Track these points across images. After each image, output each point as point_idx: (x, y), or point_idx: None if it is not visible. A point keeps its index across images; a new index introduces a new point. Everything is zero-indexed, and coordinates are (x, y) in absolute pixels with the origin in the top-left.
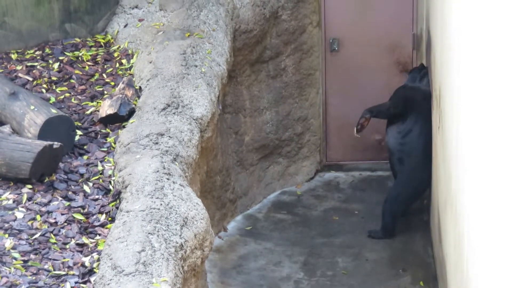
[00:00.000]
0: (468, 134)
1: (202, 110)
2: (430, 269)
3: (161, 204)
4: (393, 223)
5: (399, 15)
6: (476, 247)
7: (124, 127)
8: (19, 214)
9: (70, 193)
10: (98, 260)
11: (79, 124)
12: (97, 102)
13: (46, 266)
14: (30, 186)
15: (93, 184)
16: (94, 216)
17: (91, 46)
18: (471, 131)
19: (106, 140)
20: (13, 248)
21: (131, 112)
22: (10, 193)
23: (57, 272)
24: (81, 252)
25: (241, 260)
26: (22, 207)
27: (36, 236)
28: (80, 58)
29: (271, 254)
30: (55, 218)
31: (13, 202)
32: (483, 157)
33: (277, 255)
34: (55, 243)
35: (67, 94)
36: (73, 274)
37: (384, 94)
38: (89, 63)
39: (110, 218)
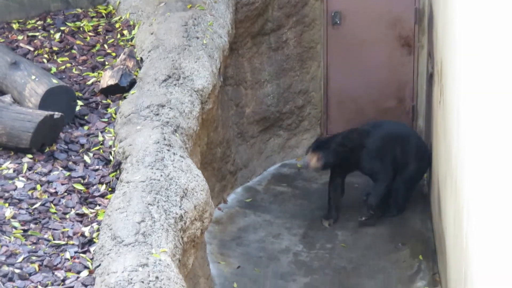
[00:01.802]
0: (469, 108)
1: (203, 81)
2: (429, 243)
3: (161, 175)
4: (406, 202)
5: None
6: (476, 221)
7: (125, 98)
8: (20, 184)
9: (70, 163)
10: (98, 230)
11: (80, 94)
12: (98, 73)
13: (46, 236)
14: (30, 156)
15: (94, 154)
16: (94, 187)
17: (92, 17)
18: (473, 105)
19: (107, 110)
20: (13, 217)
21: (132, 83)
22: (10, 163)
23: (56, 241)
24: (81, 222)
25: (241, 232)
26: (23, 176)
27: (36, 205)
28: (81, 28)
29: (271, 226)
30: (55, 188)
31: (14, 171)
32: (484, 131)
33: (276, 227)
34: (55, 213)
35: (68, 65)
36: (73, 244)
37: (385, 68)
38: (90, 33)
39: (110, 189)
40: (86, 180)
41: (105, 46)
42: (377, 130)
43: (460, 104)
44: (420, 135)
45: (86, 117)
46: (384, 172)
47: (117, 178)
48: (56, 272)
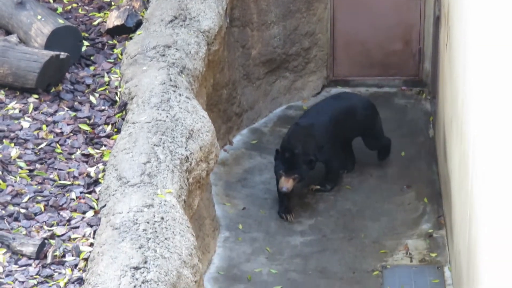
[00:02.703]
0: (476, 51)
1: (210, 23)
2: (435, 186)
3: (167, 116)
4: (387, 143)
5: None
6: (481, 164)
7: (131, 38)
8: (25, 124)
9: (76, 103)
10: (104, 170)
11: (86, 35)
12: (105, 13)
13: (51, 176)
14: (36, 96)
15: (100, 95)
16: (100, 127)
17: None
18: (480, 48)
19: (113, 51)
20: (19, 157)
21: (138, 24)
22: (16, 103)
23: (62, 181)
24: (86, 162)
25: (246, 173)
26: (28, 116)
27: (42, 145)
28: None
29: None
30: (61, 128)
31: (19, 111)
32: (491, 74)
33: None
34: (60, 153)
35: (75, 5)
36: (78, 184)
37: (392, 10)
38: None
39: (116, 129)
40: (92, 121)
41: None
42: (322, 120)
43: (466, 47)
44: (363, 97)
45: (92, 58)
46: (336, 158)
47: (123, 119)
48: (61, 212)
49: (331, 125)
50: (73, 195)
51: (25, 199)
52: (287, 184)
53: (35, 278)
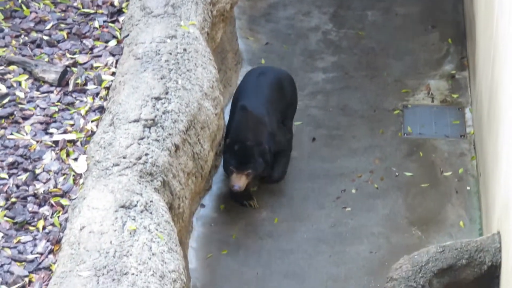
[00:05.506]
0: None
1: None
2: (460, 27)
3: None
4: None
5: None
6: (508, 3)
7: None
8: None
9: None
10: (127, 0)
11: None
12: None
13: (75, 4)
14: None
15: None
16: None
17: None
18: None
19: None
20: None
21: None
22: None
23: (86, 10)
24: None
25: (271, 8)
26: None
27: None
28: None
29: (301, 4)
30: None
31: None
32: None
33: (306, 5)
34: None
35: None
36: (102, 13)
37: None
38: None
39: None
40: None
41: None
42: (264, 103)
43: None
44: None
45: None
46: (288, 141)
47: None
48: (84, 41)
49: (273, 108)
50: (96, 24)
51: (48, 26)
52: (239, 182)
53: (56, 105)
